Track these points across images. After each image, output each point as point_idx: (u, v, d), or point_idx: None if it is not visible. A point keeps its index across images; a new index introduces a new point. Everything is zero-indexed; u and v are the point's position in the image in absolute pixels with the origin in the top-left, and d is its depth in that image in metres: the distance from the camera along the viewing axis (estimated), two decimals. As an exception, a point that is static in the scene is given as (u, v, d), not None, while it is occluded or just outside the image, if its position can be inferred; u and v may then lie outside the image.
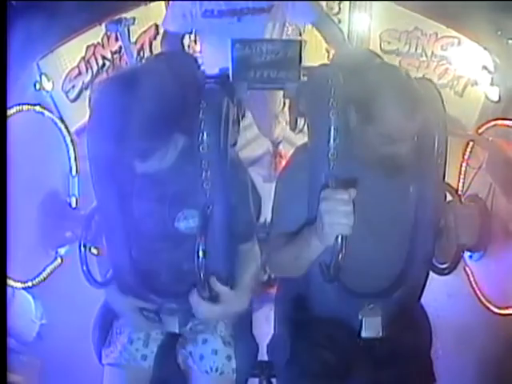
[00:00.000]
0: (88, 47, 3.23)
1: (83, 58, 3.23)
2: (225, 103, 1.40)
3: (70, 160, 2.34)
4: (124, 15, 2.89)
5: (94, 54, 3.26)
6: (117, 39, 3.22)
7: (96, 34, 3.20)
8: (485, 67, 2.79)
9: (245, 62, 1.74)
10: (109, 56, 3.25)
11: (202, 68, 1.63)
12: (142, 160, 1.29)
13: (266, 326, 1.79)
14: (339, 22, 3.13)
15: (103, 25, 3.10)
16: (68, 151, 2.34)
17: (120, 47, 3.14)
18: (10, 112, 2.02)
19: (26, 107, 2.15)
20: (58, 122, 2.32)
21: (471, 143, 2.31)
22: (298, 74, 1.75)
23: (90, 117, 1.38)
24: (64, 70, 3.17)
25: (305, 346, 1.45)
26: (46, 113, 2.26)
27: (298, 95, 1.65)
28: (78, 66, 3.25)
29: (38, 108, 2.23)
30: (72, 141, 2.36)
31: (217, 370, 1.48)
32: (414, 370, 1.43)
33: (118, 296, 1.50)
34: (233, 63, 1.74)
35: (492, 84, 2.72)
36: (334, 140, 1.33)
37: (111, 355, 1.52)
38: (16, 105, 2.08)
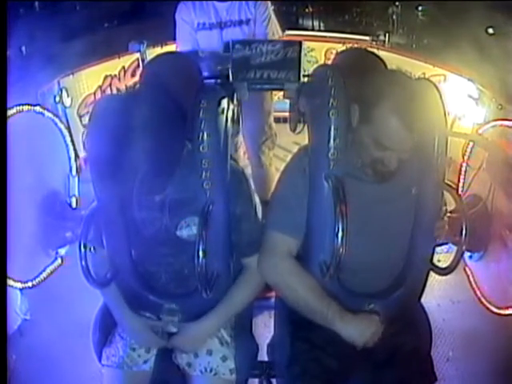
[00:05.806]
0: (106, 77, 3.29)
1: (100, 86, 3.28)
2: (225, 103, 1.40)
3: (69, 160, 2.34)
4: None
5: (110, 84, 3.37)
6: (133, 75, 3.34)
7: (114, 66, 3.33)
8: (470, 96, 2.85)
9: (245, 63, 1.74)
10: (123, 89, 3.33)
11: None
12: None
13: (264, 331, 1.79)
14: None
15: (121, 58, 3.17)
16: (68, 151, 2.34)
17: (134, 83, 3.22)
18: (10, 112, 2.02)
19: (26, 107, 2.14)
20: (58, 122, 2.32)
21: (471, 143, 2.31)
22: (298, 74, 1.75)
23: (90, 118, 1.38)
24: (82, 94, 3.21)
25: (305, 346, 1.45)
26: (46, 113, 2.26)
27: (298, 95, 1.65)
28: (94, 94, 3.28)
29: (38, 108, 2.22)
30: (72, 141, 2.36)
31: (211, 371, 1.47)
32: (414, 370, 1.43)
33: (125, 311, 1.49)
34: (233, 63, 1.74)
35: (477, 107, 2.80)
36: (334, 140, 1.33)
37: (112, 358, 1.52)
38: (16, 105, 2.08)
